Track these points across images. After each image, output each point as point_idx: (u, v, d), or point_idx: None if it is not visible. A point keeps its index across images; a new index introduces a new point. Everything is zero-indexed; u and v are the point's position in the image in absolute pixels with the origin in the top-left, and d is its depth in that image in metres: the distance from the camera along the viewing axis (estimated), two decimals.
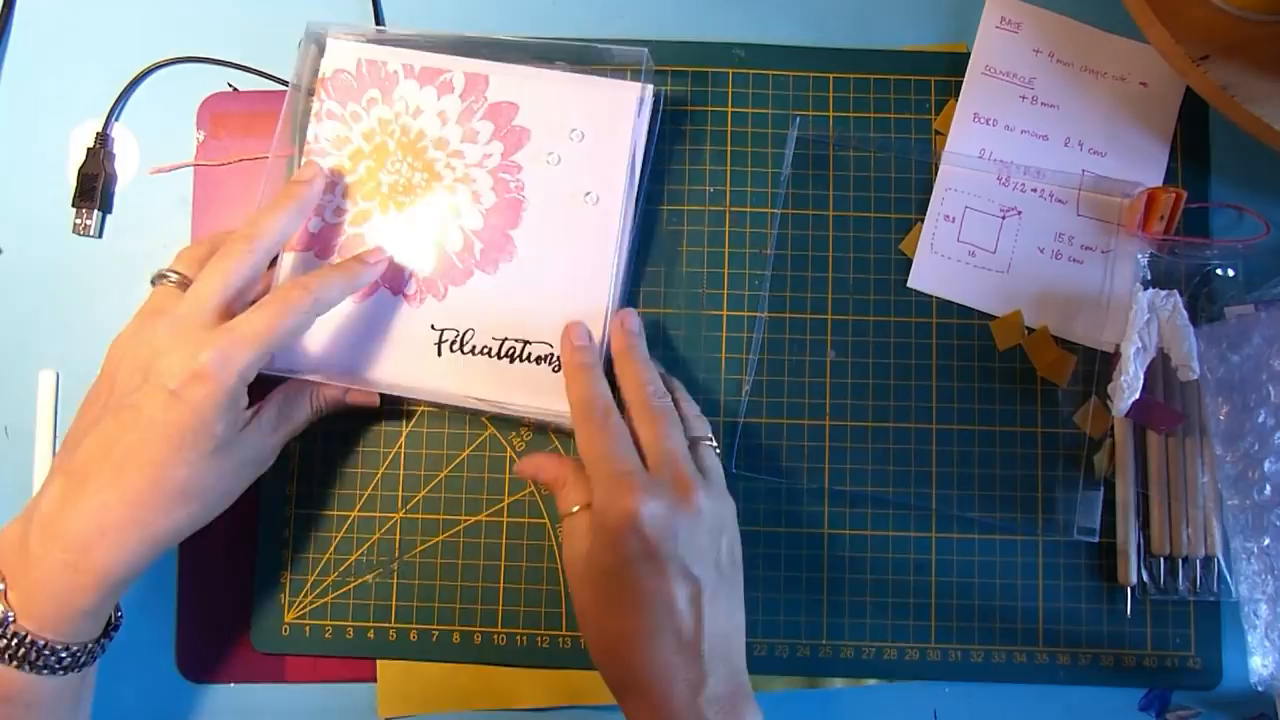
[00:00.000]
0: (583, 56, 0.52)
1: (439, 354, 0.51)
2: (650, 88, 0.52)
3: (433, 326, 0.51)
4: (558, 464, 0.48)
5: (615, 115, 0.51)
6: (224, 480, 0.45)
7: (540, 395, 0.50)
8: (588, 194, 0.51)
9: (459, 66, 0.52)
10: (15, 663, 0.41)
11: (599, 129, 0.51)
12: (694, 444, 0.47)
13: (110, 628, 0.45)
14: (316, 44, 0.53)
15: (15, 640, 0.41)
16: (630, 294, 0.54)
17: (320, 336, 0.51)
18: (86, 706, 0.46)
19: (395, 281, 0.51)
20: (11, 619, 0.41)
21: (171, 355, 0.43)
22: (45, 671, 0.42)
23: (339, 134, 0.52)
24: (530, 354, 0.51)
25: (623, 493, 0.42)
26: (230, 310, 0.45)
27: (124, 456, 0.42)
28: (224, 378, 0.43)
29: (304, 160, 0.52)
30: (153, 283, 0.48)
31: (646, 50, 0.52)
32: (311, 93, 0.53)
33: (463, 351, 0.51)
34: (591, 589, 0.44)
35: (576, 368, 0.48)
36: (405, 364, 0.51)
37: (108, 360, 0.46)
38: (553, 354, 0.51)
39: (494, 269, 0.51)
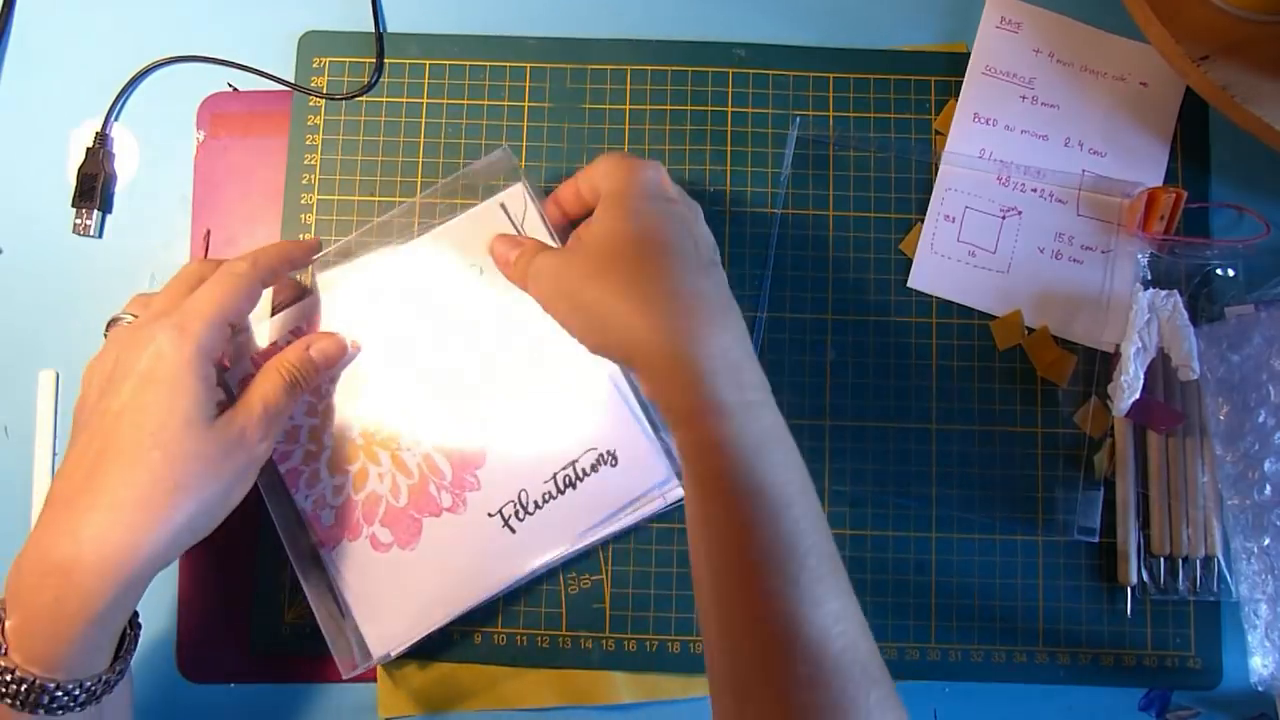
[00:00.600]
0: (450, 190, 0.52)
1: (512, 531, 0.50)
2: (518, 187, 0.51)
3: (489, 514, 0.50)
4: (504, 241, 0.48)
5: (499, 228, 0.51)
6: (211, 469, 0.42)
7: (618, 493, 0.50)
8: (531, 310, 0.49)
9: (326, 310, 0.51)
10: (11, 702, 0.38)
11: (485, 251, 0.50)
12: None
13: (121, 654, 0.42)
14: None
15: (8, 678, 0.38)
16: None
17: (407, 598, 0.49)
18: None
19: (429, 506, 0.50)
20: (3, 650, 0.39)
21: (131, 350, 0.43)
22: (53, 711, 0.39)
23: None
24: (583, 468, 0.50)
25: (640, 165, 0.44)
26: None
27: (99, 462, 0.41)
28: (184, 349, 0.42)
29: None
30: (106, 331, 0.47)
31: (504, 147, 0.51)
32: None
33: (530, 512, 0.50)
34: (600, 261, 0.42)
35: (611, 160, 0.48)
36: (494, 563, 0.50)
37: (79, 395, 0.44)
38: (600, 452, 0.50)
39: (499, 429, 0.50)
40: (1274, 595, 0.49)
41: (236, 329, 0.48)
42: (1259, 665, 0.50)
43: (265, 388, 0.46)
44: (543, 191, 0.52)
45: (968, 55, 0.55)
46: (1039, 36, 0.55)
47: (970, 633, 0.52)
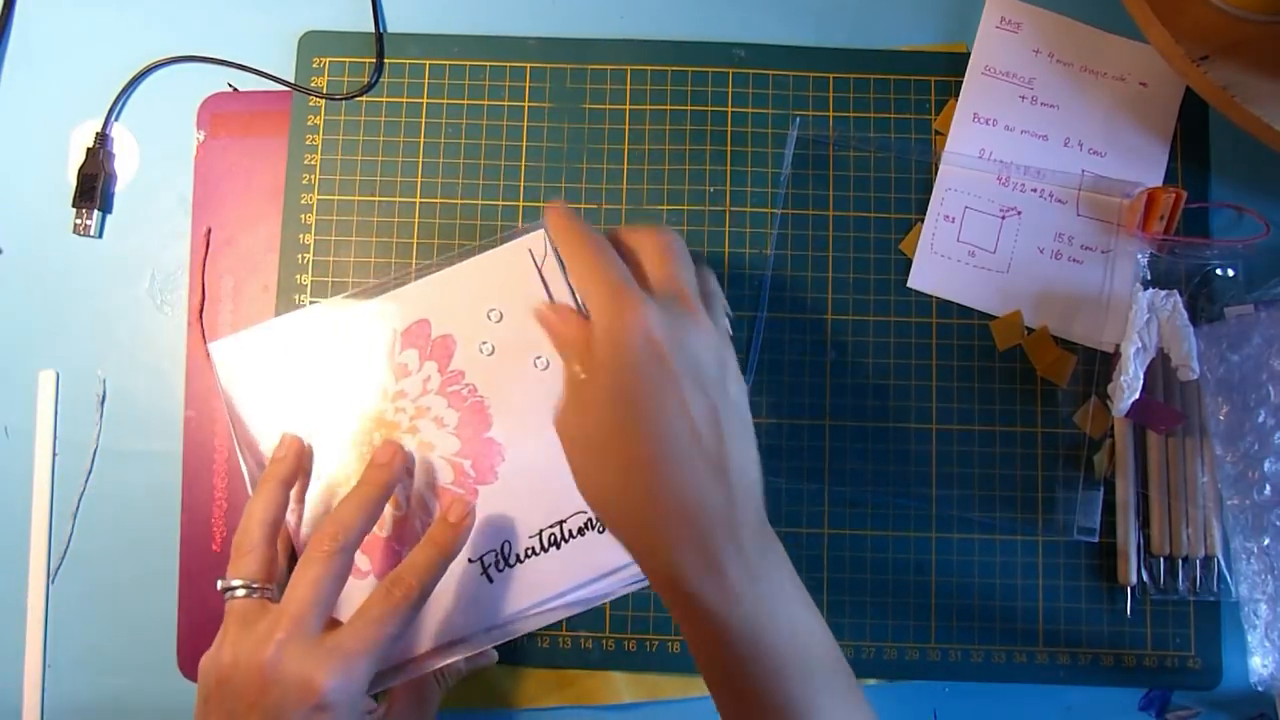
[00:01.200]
0: (486, 246, 0.50)
1: (490, 580, 0.48)
2: (539, 233, 0.49)
3: (470, 560, 0.48)
4: (578, 324, 0.42)
5: (521, 279, 0.49)
6: None
7: (600, 560, 0.48)
8: (536, 360, 0.49)
9: (353, 320, 0.50)
10: None
11: (512, 299, 0.49)
12: (705, 297, 0.43)
13: None
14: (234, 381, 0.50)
15: None
16: None
17: None
18: None
19: (411, 540, 0.49)
20: None
21: (287, 687, 0.40)
22: None
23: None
24: (570, 530, 0.48)
25: (625, 303, 0.39)
26: (329, 617, 0.43)
27: None
28: (343, 700, 0.40)
29: (374, 446, 0.49)
30: (223, 593, 0.45)
31: (545, 227, 0.49)
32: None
33: (510, 565, 0.48)
34: (598, 423, 0.39)
35: (558, 214, 0.43)
36: (465, 610, 0.48)
37: (214, 690, 0.42)
38: (590, 517, 0.48)
39: (493, 477, 0.49)
40: (1274, 595, 0.49)
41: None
42: (1259, 665, 0.50)
43: (422, 706, 0.47)
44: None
45: (968, 55, 0.55)
46: (1039, 36, 0.55)
47: (970, 633, 0.52)
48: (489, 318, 0.49)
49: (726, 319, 0.44)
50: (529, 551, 0.49)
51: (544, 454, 0.48)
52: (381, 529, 0.49)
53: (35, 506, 0.53)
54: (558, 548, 0.49)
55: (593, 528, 0.48)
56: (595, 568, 0.48)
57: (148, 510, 0.53)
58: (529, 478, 0.49)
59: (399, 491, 0.49)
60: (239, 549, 0.45)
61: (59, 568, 0.53)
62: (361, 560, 0.49)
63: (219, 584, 0.45)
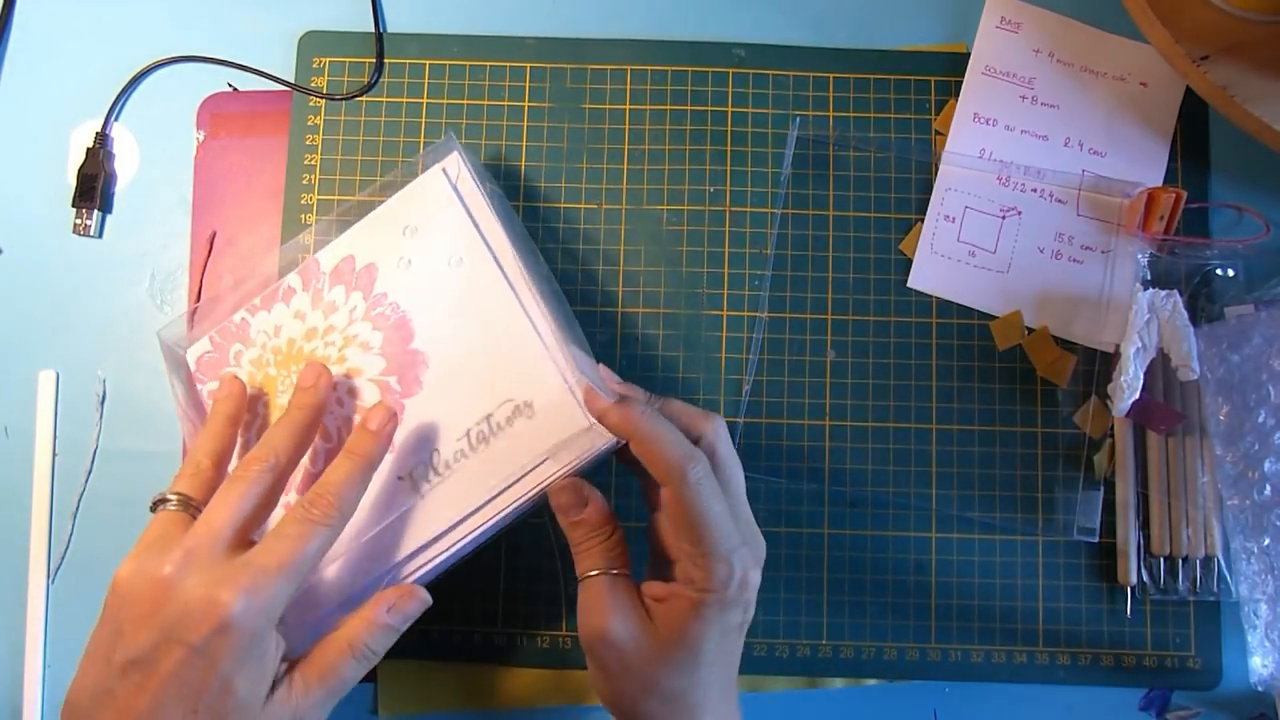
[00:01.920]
0: (392, 186, 0.50)
1: (420, 492, 0.46)
2: (454, 155, 0.48)
3: (400, 477, 0.46)
4: (605, 511, 0.43)
5: (433, 195, 0.48)
6: None
7: (534, 444, 0.45)
8: (450, 260, 0.48)
9: (286, 279, 0.50)
10: None
11: (426, 212, 0.48)
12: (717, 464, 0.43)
13: None
14: (174, 364, 0.50)
15: None
16: (628, 295, 0.54)
17: (319, 567, 0.46)
18: None
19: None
20: None
21: (186, 601, 0.37)
22: None
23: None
24: (498, 422, 0.46)
25: (746, 571, 0.41)
26: (246, 539, 0.40)
27: (135, 714, 0.37)
28: (250, 623, 0.37)
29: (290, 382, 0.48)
30: (152, 509, 0.42)
31: (449, 132, 0.50)
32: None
33: (439, 473, 0.46)
34: (681, 663, 0.41)
35: (640, 421, 0.42)
36: (398, 531, 0.46)
37: (109, 601, 0.39)
38: (517, 403, 0.46)
39: (418, 387, 0.47)
40: (1274, 595, 0.49)
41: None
42: (1259, 665, 0.50)
43: (330, 664, 0.40)
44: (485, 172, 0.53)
45: (968, 55, 0.55)
46: (1039, 36, 0.55)
47: (970, 633, 0.52)
48: (404, 234, 0.48)
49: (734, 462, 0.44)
50: (458, 454, 0.46)
51: (464, 348, 0.47)
52: (315, 464, 0.47)
53: (35, 506, 0.53)
54: (487, 444, 0.46)
55: (521, 415, 0.46)
56: (527, 454, 0.45)
57: (147, 510, 0.53)
58: (453, 378, 0.47)
59: (328, 422, 0.48)
60: (181, 471, 0.43)
61: (59, 568, 0.53)
62: (295, 499, 0.46)
63: (151, 500, 0.42)
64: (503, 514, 0.45)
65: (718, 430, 0.43)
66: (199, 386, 0.50)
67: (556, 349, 0.46)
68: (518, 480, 0.45)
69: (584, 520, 0.43)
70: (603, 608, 0.41)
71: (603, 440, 0.44)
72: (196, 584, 0.37)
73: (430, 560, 0.46)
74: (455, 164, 0.49)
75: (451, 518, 0.46)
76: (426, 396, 0.47)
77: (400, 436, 0.47)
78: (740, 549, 0.41)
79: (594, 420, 0.44)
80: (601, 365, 0.47)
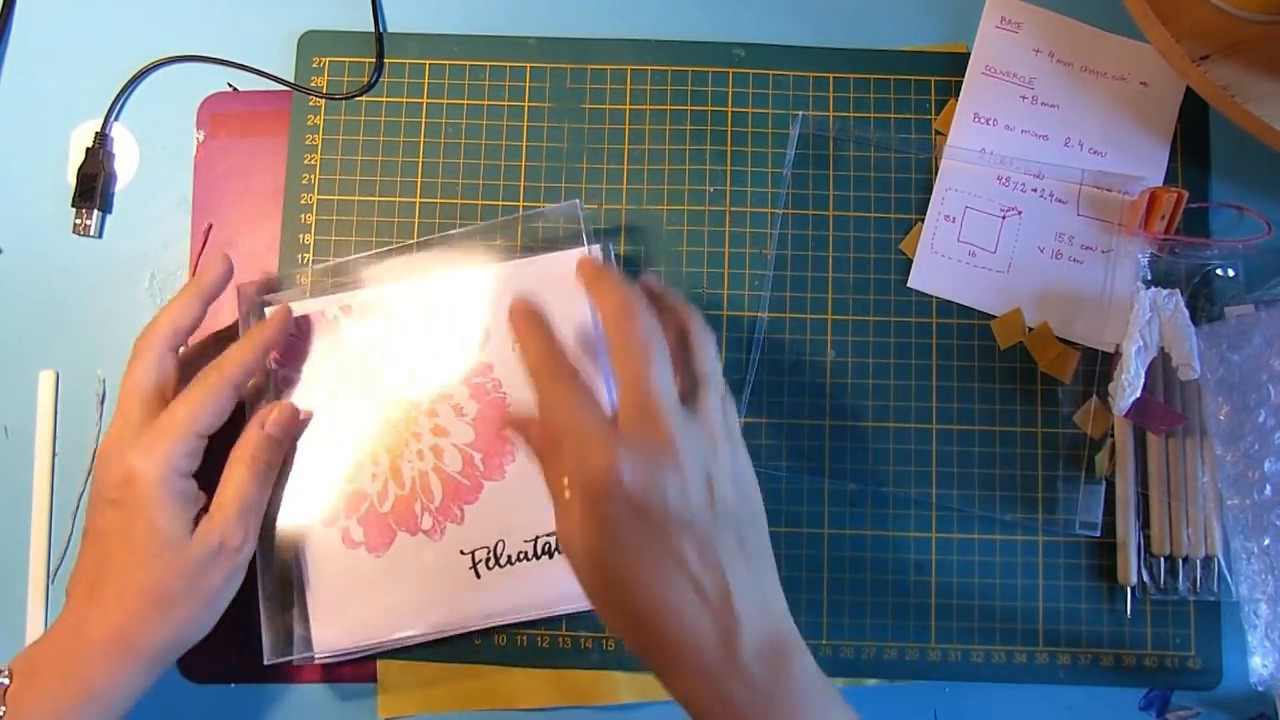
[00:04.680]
0: (509, 230, 0.52)
1: (478, 576, 0.49)
2: (596, 248, 0.50)
3: (462, 552, 0.49)
4: (551, 443, 0.42)
5: (563, 281, 0.46)
6: (195, 583, 0.45)
7: None
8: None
9: (390, 296, 0.51)
10: None
11: (554, 300, 0.45)
12: (694, 384, 0.42)
13: None
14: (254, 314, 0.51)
15: None
16: None
17: (358, 601, 0.49)
18: None
19: (408, 522, 0.50)
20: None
21: (105, 467, 0.45)
22: None
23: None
24: None
25: (593, 454, 0.38)
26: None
27: (93, 574, 0.44)
28: (153, 471, 0.44)
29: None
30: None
31: (578, 202, 0.52)
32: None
33: (500, 565, 0.48)
34: (593, 570, 0.39)
35: (526, 330, 0.43)
36: (450, 600, 0.49)
37: (94, 477, 0.47)
38: None
39: (500, 474, 0.49)
40: (1274, 595, 0.49)
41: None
42: (1259, 665, 0.50)
43: (234, 484, 0.47)
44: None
45: (968, 55, 0.55)
46: (1039, 36, 0.55)
47: (970, 633, 0.52)
48: None
49: (720, 399, 0.43)
50: (521, 555, 0.48)
51: None
52: (382, 504, 0.49)
53: (35, 506, 0.53)
54: (550, 557, 0.49)
55: None
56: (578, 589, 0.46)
57: None
58: (537, 482, 0.46)
59: (405, 469, 0.49)
60: (135, 351, 0.47)
61: (59, 568, 0.53)
62: (356, 531, 0.50)
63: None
64: (534, 616, 0.48)
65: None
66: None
67: None
68: (563, 601, 0.48)
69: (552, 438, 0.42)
70: (562, 518, 0.40)
71: None
72: (111, 451, 0.45)
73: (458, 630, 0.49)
74: (596, 253, 0.50)
75: (501, 609, 0.48)
76: (506, 487, 0.49)
77: (474, 514, 0.49)
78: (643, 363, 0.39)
79: None
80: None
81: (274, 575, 0.49)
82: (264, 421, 0.48)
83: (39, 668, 0.43)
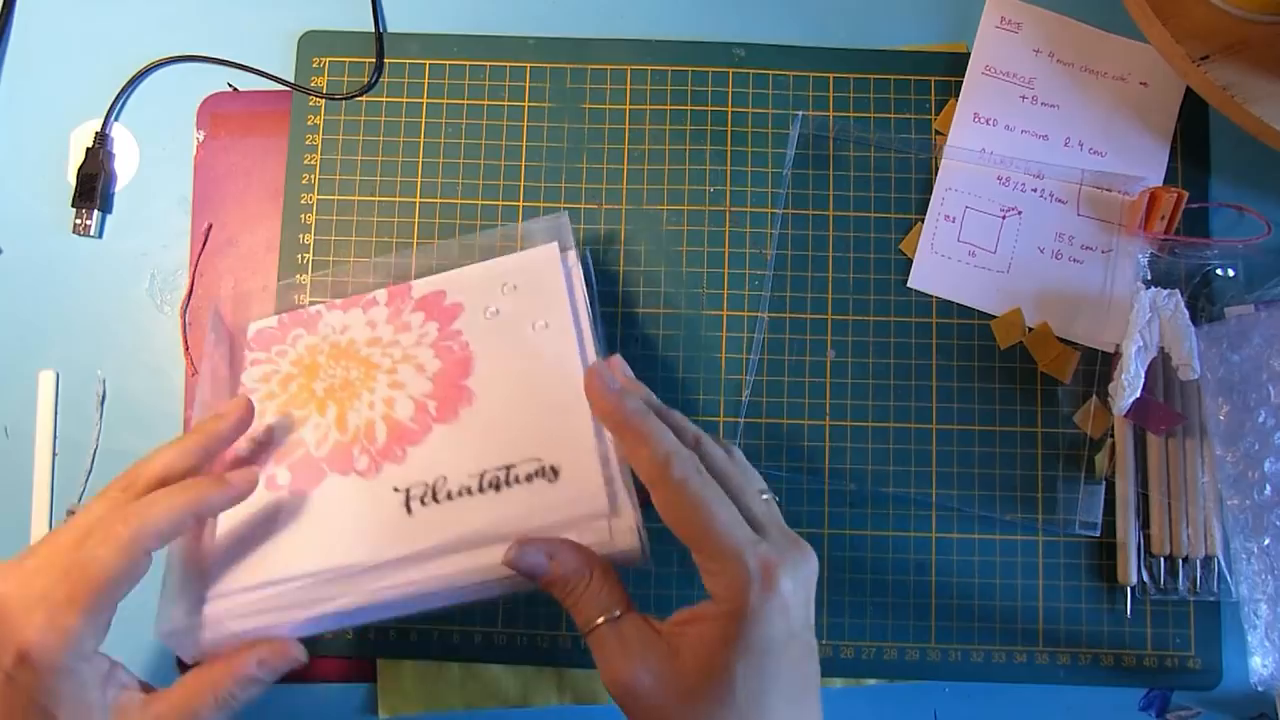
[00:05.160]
0: (498, 242, 0.52)
1: (409, 512, 0.44)
2: (572, 253, 0.51)
3: (396, 489, 0.45)
4: (574, 553, 0.39)
5: (543, 266, 0.50)
6: None
7: (545, 512, 0.43)
8: (535, 324, 0.48)
9: (375, 291, 0.51)
10: None
11: (530, 279, 0.50)
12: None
13: None
14: (219, 336, 0.51)
15: None
16: (629, 295, 0.54)
17: (260, 536, 0.45)
18: None
19: (342, 463, 0.46)
20: None
21: (7, 623, 0.36)
22: None
23: (265, 371, 0.50)
24: (517, 475, 0.44)
25: (769, 577, 0.35)
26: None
27: None
28: (50, 659, 0.36)
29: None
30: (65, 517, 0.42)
31: (565, 215, 0.51)
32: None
33: (437, 501, 0.44)
34: (705, 699, 0.35)
35: (629, 414, 0.39)
36: (371, 537, 0.44)
37: None
38: (544, 465, 0.44)
39: (454, 416, 0.46)
40: (1274, 595, 0.49)
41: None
42: (1259, 665, 0.50)
43: (189, 706, 0.39)
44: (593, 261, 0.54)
45: (968, 55, 0.55)
46: (1039, 36, 0.55)
47: (970, 633, 0.52)
48: (502, 290, 0.50)
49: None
50: (463, 490, 0.44)
51: (514, 401, 0.46)
52: (318, 449, 0.47)
53: (35, 506, 0.53)
54: (496, 491, 0.44)
55: (543, 476, 0.44)
56: (535, 519, 0.43)
57: None
58: (491, 422, 0.46)
59: (351, 417, 0.47)
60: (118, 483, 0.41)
61: None
62: (282, 476, 0.46)
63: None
64: (475, 578, 0.42)
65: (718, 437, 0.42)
66: (247, 353, 0.51)
67: (606, 435, 0.44)
68: (504, 536, 0.42)
69: (555, 577, 0.39)
70: (612, 657, 0.37)
71: (624, 543, 0.42)
72: (12, 599, 0.37)
73: (389, 588, 0.42)
74: (573, 257, 0.50)
75: (426, 545, 0.43)
76: (457, 428, 0.46)
77: (414, 453, 0.46)
78: (755, 545, 0.36)
79: (617, 511, 0.42)
80: (616, 355, 0.45)
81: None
82: (257, 659, 0.41)
83: None
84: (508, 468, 0.44)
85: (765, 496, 0.41)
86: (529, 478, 0.44)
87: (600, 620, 0.38)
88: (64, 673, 0.36)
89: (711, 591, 0.36)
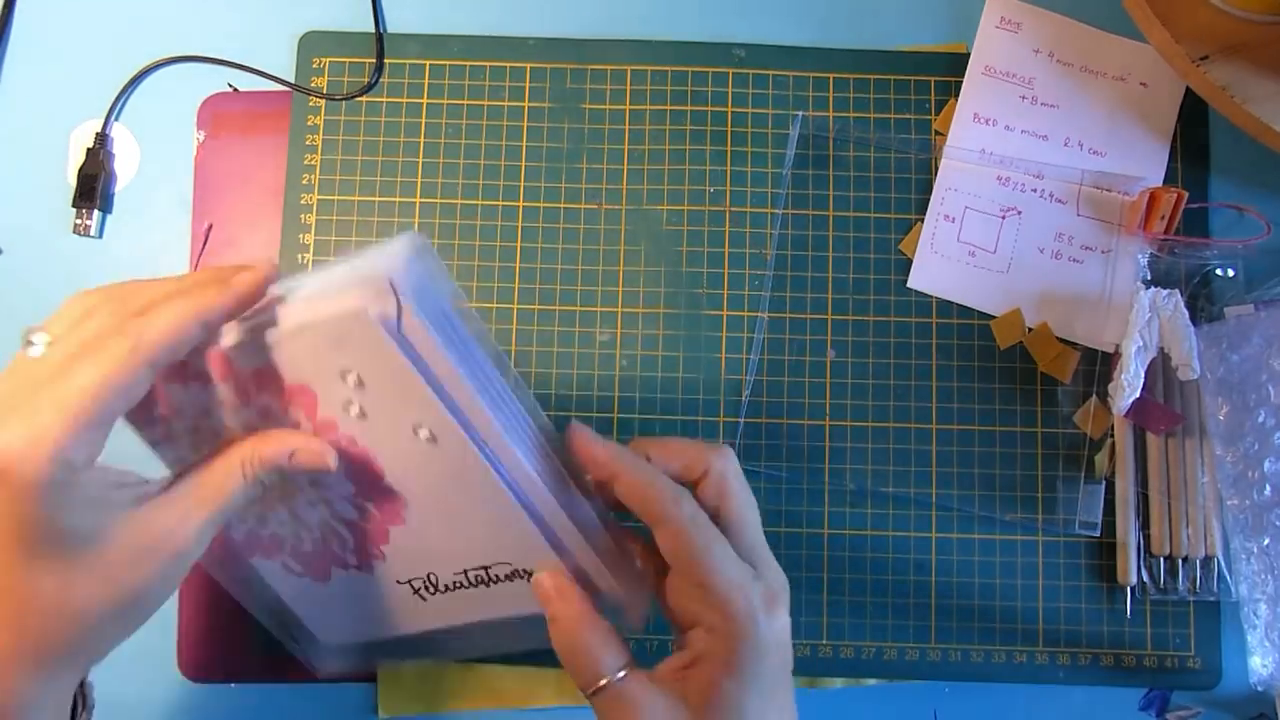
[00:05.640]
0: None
1: (423, 599, 0.44)
2: (389, 294, 0.34)
3: (398, 582, 0.44)
4: (591, 621, 0.39)
5: (369, 341, 0.34)
6: (117, 584, 0.34)
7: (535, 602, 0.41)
8: (418, 430, 0.37)
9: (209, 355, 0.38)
10: None
11: (368, 364, 0.35)
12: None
13: None
14: None
15: None
16: (629, 295, 0.54)
17: (331, 608, 0.46)
18: None
19: (336, 559, 0.44)
20: None
21: None
22: None
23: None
24: (496, 575, 0.42)
25: (770, 602, 0.37)
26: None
27: None
28: (31, 469, 0.31)
29: None
30: (24, 342, 0.35)
31: (410, 238, 0.36)
32: None
33: (440, 591, 0.44)
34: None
35: (625, 460, 0.38)
36: (403, 617, 0.45)
37: None
38: (515, 569, 0.42)
39: (399, 520, 0.41)
40: (1274, 595, 0.49)
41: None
42: (1259, 665, 0.50)
43: (216, 485, 0.37)
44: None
45: (968, 55, 0.55)
46: (1039, 36, 0.55)
47: (970, 633, 0.52)
48: (344, 380, 0.36)
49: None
50: (457, 584, 0.43)
51: (453, 515, 0.41)
52: (309, 545, 0.44)
53: None
54: (486, 586, 0.43)
55: (521, 577, 0.42)
56: (530, 605, 0.42)
57: None
58: (441, 529, 0.41)
59: (305, 516, 0.42)
60: (86, 294, 0.36)
61: None
62: (293, 564, 0.44)
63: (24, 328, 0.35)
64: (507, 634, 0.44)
65: (727, 462, 0.40)
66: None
67: (560, 522, 0.40)
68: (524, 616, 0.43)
69: (595, 634, 0.39)
70: (620, 718, 0.37)
71: (634, 617, 0.41)
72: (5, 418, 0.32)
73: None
74: (391, 305, 0.34)
75: (453, 624, 0.45)
76: (410, 532, 0.42)
77: (390, 552, 0.43)
78: (752, 582, 0.37)
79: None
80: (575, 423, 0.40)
81: (264, 606, 0.46)
82: (295, 450, 0.37)
83: None
84: (484, 568, 0.42)
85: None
86: (509, 577, 0.42)
87: (604, 681, 0.38)
88: (55, 486, 0.32)
89: (711, 625, 0.37)
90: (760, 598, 0.37)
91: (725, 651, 0.37)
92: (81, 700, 0.39)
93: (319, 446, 0.38)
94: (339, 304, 0.34)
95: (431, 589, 0.44)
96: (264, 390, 0.38)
